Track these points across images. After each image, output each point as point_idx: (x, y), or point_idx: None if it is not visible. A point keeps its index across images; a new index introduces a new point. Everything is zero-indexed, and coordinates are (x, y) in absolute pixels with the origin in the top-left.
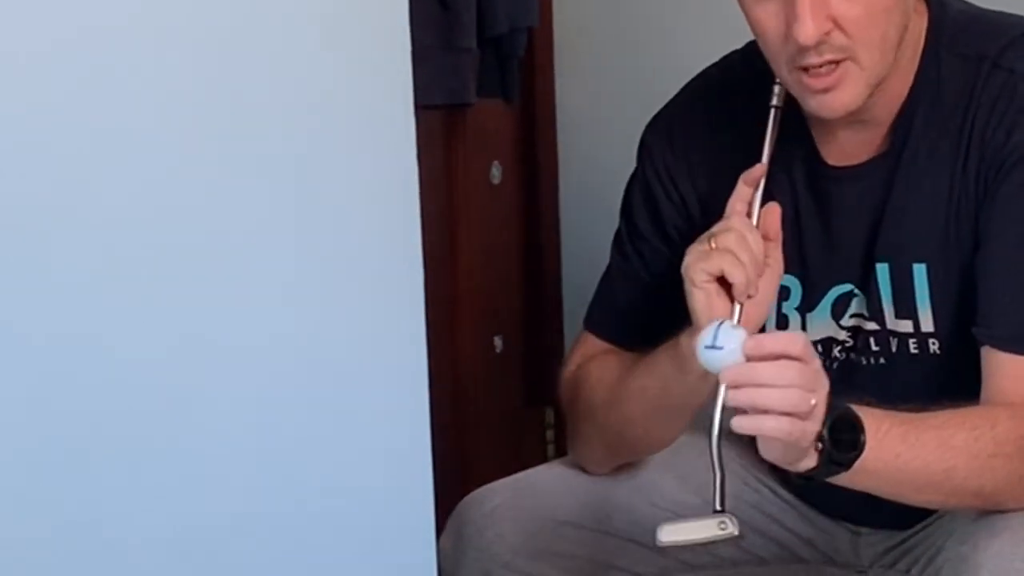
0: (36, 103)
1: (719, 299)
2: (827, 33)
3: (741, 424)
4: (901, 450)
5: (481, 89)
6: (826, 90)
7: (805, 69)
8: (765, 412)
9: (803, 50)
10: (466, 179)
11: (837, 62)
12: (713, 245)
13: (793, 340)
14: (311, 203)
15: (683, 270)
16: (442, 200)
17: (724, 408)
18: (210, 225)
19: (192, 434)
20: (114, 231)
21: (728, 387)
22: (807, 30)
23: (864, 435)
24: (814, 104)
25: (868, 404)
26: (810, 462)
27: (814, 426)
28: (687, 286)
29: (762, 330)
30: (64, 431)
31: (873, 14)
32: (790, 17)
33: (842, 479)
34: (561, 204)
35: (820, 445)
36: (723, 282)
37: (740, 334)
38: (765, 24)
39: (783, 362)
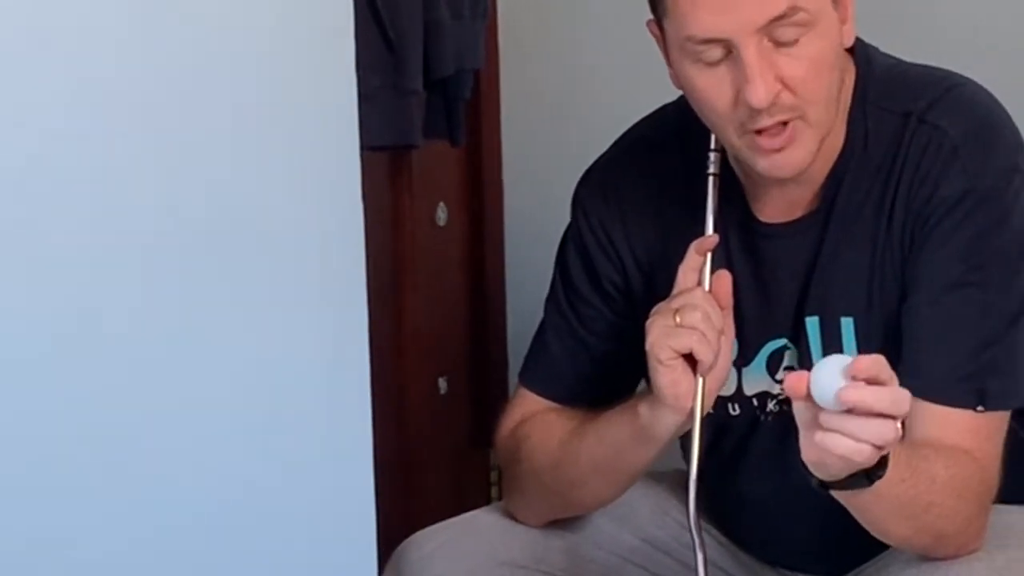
0: None
1: (685, 375)
2: (777, 94)
3: (823, 441)
4: (905, 475)
5: (427, 131)
6: (779, 150)
7: (757, 132)
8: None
9: (755, 114)
10: (412, 220)
11: (786, 122)
12: (679, 321)
13: (883, 365)
14: (256, 244)
15: (648, 347)
16: (388, 241)
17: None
18: (155, 268)
19: (133, 473)
20: (69, 261)
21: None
22: (759, 93)
23: (889, 455)
24: (766, 165)
25: None
26: (841, 474)
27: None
28: (651, 362)
29: None
30: (21, 455)
31: (818, 70)
32: (739, 81)
33: (847, 495)
34: (507, 245)
35: None
36: (687, 357)
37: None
38: (711, 92)
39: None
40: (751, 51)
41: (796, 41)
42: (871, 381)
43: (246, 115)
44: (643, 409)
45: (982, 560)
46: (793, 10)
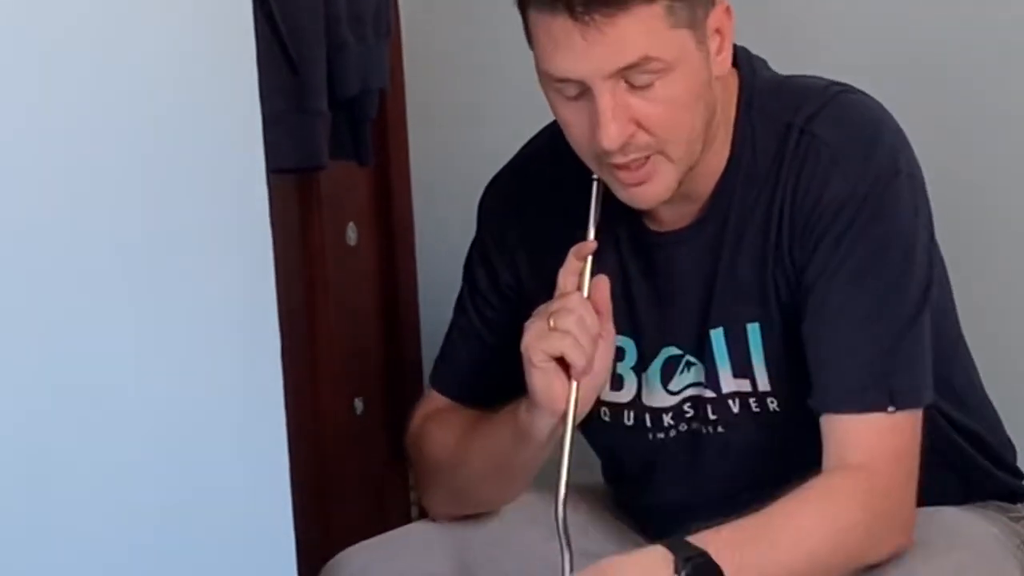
0: None
1: (557, 378)
2: (631, 135)
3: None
4: (762, 564)
5: (334, 151)
6: (638, 183)
7: (615, 166)
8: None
9: (608, 152)
10: (322, 241)
11: (646, 157)
12: (552, 324)
13: None
14: (165, 269)
15: (523, 348)
16: (298, 263)
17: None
18: (62, 293)
19: (46, 508)
20: None
21: None
22: (610, 135)
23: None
24: (626, 196)
25: (711, 479)
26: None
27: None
28: (525, 365)
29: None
30: None
31: (675, 111)
32: (593, 121)
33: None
34: (418, 262)
35: None
36: (561, 360)
37: None
38: (571, 125)
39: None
40: (604, 96)
41: (651, 85)
42: None
43: (149, 142)
44: (521, 410)
45: (931, 564)
46: (646, 60)
